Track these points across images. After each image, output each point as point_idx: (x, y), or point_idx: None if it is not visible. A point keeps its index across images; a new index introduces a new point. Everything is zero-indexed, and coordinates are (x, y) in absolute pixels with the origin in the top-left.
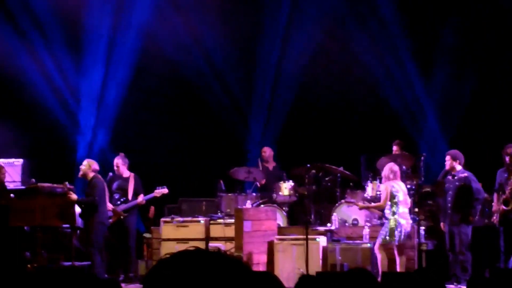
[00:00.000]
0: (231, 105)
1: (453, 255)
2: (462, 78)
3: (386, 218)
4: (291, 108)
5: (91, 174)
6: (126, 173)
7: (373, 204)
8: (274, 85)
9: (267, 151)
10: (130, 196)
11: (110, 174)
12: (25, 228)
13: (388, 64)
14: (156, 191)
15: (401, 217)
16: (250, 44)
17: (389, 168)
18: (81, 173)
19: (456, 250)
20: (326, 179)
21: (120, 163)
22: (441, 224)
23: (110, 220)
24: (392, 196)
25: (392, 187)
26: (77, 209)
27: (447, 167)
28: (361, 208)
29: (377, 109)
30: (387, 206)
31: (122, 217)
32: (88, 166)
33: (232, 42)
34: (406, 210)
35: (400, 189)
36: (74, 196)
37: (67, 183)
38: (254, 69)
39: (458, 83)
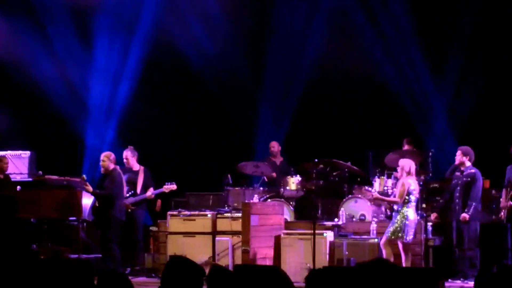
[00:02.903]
0: (240, 100)
1: (460, 251)
2: (472, 74)
3: (396, 214)
4: (300, 103)
5: (111, 166)
6: (135, 166)
7: (388, 198)
8: (283, 80)
9: (275, 146)
10: (139, 190)
11: (118, 167)
12: (32, 220)
13: (397, 60)
14: (165, 186)
15: (411, 215)
16: (260, 39)
17: (409, 164)
18: (102, 169)
19: (464, 246)
20: (334, 174)
21: (129, 156)
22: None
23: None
24: (408, 193)
25: (410, 185)
26: (87, 202)
27: (457, 162)
28: (375, 199)
29: (386, 105)
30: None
31: (129, 210)
32: (107, 159)
33: (242, 37)
34: (414, 208)
35: (416, 188)
36: (90, 188)
37: (84, 176)
38: (263, 64)
39: (468, 80)
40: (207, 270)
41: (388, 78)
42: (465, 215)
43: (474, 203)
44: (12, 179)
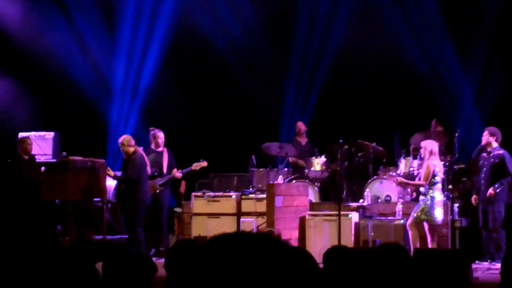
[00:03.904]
0: (265, 81)
1: (486, 232)
2: (500, 54)
3: (422, 195)
4: (325, 84)
5: (131, 150)
6: (160, 147)
7: (413, 182)
8: (309, 61)
9: (302, 126)
10: (165, 170)
11: (140, 149)
12: (56, 201)
13: (424, 42)
14: (194, 164)
15: (437, 196)
16: (285, 21)
17: (432, 145)
18: (124, 155)
19: (489, 228)
20: (359, 155)
21: (159, 136)
22: (473, 197)
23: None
24: (434, 175)
25: (435, 166)
26: (111, 183)
27: (483, 142)
28: (400, 184)
29: (412, 86)
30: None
31: (158, 191)
32: (125, 145)
33: (267, 19)
34: (441, 189)
35: (441, 168)
36: (111, 173)
37: (103, 160)
38: (289, 46)
39: (496, 60)
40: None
41: (414, 60)
42: (491, 191)
43: (504, 184)
44: (37, 160)
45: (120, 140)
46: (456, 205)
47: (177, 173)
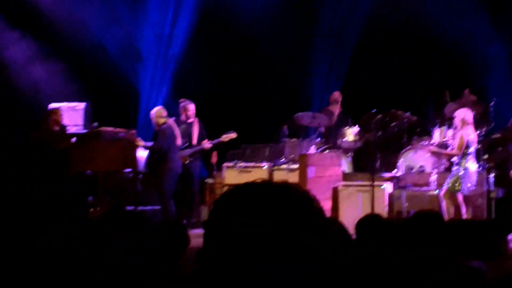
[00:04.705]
0: (295, 52)
1: None
2: None
3: (456, 165)
4: (355, 52)
5: (162, 121)
6: (190, 119)
7: (446, 151)
8: (339, 29)
9: (338, 96)
10: (194, 141)
11: (171, 120)
12: (88, 172)
13: (455, 8)
14: (224, 135)
15: (471, 166)
16: None
17: (465, 114)
18: (155, 126)
19: None
20: (392, 125)
21: (189, 109)
22: (511, 171)
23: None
24: (467, 146)
25: (469, 136)
26: (142, 154)
27: None
28: (432, 153)
29: (445, 54)
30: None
31: (186, 162)
32: (156, 116)
33: None
34: (475, 159)
35: (475, 138)
36: (141, 142)
37: (134, 131)
38: (318, 16)
39: None
40: None
41: (448, 27)
42: None
43: None
44: (67, 131)
45: (153, 111)
46: (491, 175)
47: (207, 144)
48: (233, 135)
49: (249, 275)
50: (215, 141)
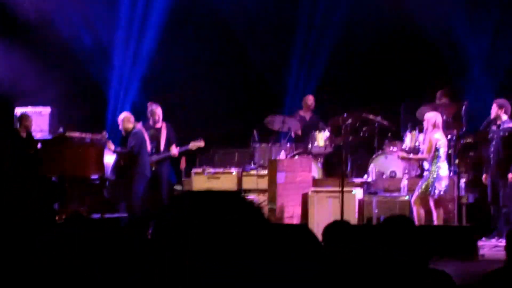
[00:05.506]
0: (269, 53)
1: (495, 208)
2: (511, 23)
3: (426, 171)
4: (329, 56)
5: (130, 126)
6: (159, 123)
7: (415, 156)
8: (315, 31)
9: (312, 100)
10: (162, 146)
11: (140, 124)
12: (53, 178)
13: (432, 8)
14: (192, 143)
15: (442, 170)
16: None
17: (435, 117)
18: (123, 132)
19: (499, 203)
20: (364, 129)
21: (156, 113)
22: (483, 176)
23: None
24: (436, 149)
25: (438, 140)
26: (109, 160)
27: (492, 115)
28: (402, 158)
29: (419, 55)
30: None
31: (153, 168)
32: (125, 122)
33: None
34: (446, 163)
35: (444, 141)
36: (112, 146)
37: (105, 132)
38: (295, 15)
39: (507, 27)
40: None
41: (423, 28)
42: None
43: None
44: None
45: (120, 117)
46: (463, 180)
47: (174, 151)
48: (201, 143)
49: (249, 275)
50: (183, 148)
